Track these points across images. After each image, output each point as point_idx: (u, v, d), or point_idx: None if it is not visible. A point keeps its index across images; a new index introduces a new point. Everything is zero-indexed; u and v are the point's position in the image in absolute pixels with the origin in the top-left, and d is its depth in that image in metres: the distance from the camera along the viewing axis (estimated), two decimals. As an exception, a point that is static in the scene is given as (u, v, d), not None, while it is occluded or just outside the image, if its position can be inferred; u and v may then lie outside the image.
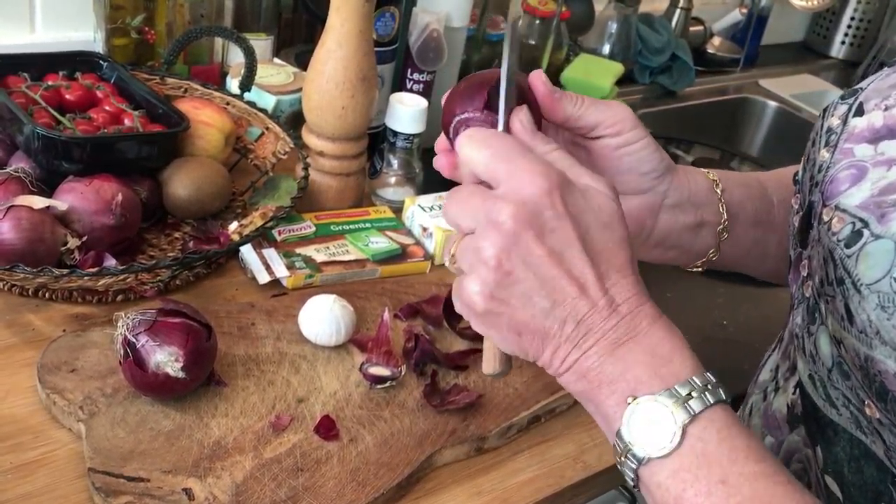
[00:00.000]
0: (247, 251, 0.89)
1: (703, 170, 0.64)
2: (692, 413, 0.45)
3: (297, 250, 0.91)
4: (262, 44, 1.17)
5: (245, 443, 0.68)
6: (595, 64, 1.51)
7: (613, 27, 1.60)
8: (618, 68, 1.50)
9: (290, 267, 0.88)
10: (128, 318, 0.69)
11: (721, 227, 0.63)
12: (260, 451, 0.67)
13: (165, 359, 0.67)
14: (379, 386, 0.76)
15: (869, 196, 0.49)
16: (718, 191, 0.63)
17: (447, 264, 0.53)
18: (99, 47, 1.08)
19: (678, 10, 1.73)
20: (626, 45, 1.61)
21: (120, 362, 0.68)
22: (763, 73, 1.91)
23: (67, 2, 1.11)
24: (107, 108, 0.94)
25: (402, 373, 0.77)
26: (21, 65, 0.94)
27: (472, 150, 0.49)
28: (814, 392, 0.56)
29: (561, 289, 0.47)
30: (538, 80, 0.54)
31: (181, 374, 0.67)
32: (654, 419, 0.45)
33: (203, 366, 0.69)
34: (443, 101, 0.55)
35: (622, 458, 0.47)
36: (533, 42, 1.35)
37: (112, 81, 0.99)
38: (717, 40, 1.85)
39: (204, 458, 0.66)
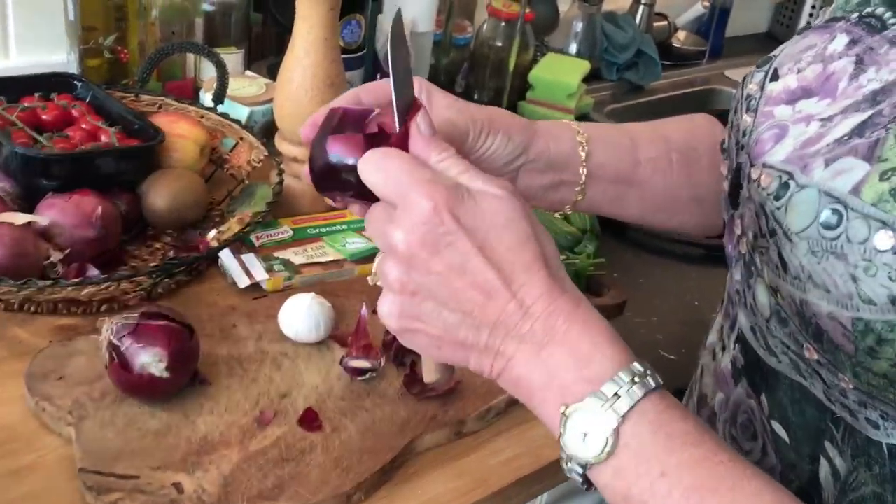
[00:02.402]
0: (226, 257, 0.91)
1: (575, 128, 0.67)
2: (621, 414, 0.45)
3: (276, 254, 0.93)
4: (233, 57, 1.20)
5: (231, 437, 0.70)
6: (562, 63, 1.54)
7: (579, 26, 1.64)
8: (584, 66, 1.54)
9: (269, 270, 0.90)
10: (112, 323, 0.71)
11: (579, 187, 0.67)
12: (246, 444, 0.70)
13: (150, 360, 0.69)
14: (360, 378, 0.78)
15: (792, 150, 0.52)
16: (583, 153, 0.66)
17: (369, 280, 0.55)
18: (73, 68, 1.11)
19: (641, 7, 1.77)
20: (592, 43, 1.65)
21: (106, 366, 0.71)
22: (729, 64, 1.95)
23: (41, 26, 1.14)
24: (83, 125, 0.96)
25: (382, 364, 0.79)
26: (-3, 88, 0.97)
27: (369, 174, 0.50)
28: (755, 343, 0.59)
29: (468, 300, 0.48)
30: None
31: (166, 374, 0.69)
32: (586, 428, 0.46)
33: (187, 365, 0.72)
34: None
35: (567, 465, 0.48)
36: (500, 44, 1.39)
37: (87, 101, 1.01)
38: (681, 34, 1.89)
39: (192, 453, 0.68)
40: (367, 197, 0.52)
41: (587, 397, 0.46)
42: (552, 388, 0.47)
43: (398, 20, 0.53)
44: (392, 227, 0.48)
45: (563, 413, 0.46)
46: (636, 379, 0.46)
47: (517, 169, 0.65)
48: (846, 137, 0.49)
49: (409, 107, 0.52)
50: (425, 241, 0.47)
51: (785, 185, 0.51)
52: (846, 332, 0.47)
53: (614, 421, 0.45)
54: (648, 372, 0.47)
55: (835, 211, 0.47)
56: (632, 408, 0.46)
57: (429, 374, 0.56)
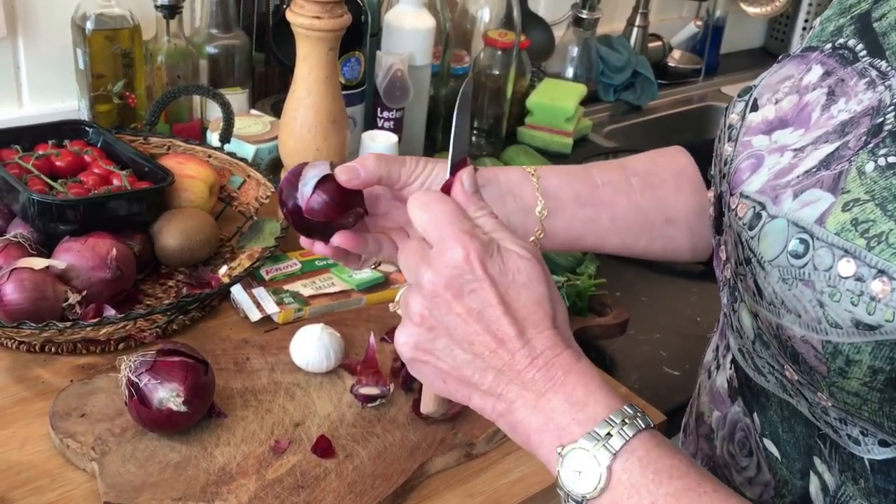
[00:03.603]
0: (238, 292, 0.94)
1: (522, 166, 0.72)
2: (613, 452, 0.49)
3: (285, 287, 0.96)
4: (238, 97, 1.23)
5: (248, 467, 0.73)
6: (559, 87, 1.58)
7: (574, 51, 1.67)
8: (581, 90, 1.57)
9: (279, 303, 0.93)
10: (130, 360, 0.74)
11: (539, 208, 0.70)
12: (262, 473, 0.72)
13: (167, 395, 0.72)
14: (370, 405, 0.81)
15: (766, 181, 0.54)
16: (534, 179, 0.70)
17: (391, 307, 0.59)
18: (84, 115, 1.15)
19: (635, 29, 1.80)
20: (588, 66, 1.69)
21: (126, 402, 0.73)
22: (725, 81, 1.98)
23: (51, 75, 1.18)
24: (96, 170, 1.00)
25: (391, 391, 0.82)
26: (12, 138, 1.01)
27: (415, 212, 0.54)
28: (744, 364, 0.61)
29: (481, 343, 0.52)
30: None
31: (183, 408, 0.72)
32: (581, 465, 0.49)
33: (203, 399, 0.74)
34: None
35: (565, 501, 0.51)
36: (497, 72, 1.42)
37: (99, 145, 1.05)
38: (676, 53, 1.92)
39: (210, 484, 0.70)
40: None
41: (582, 437, 0.50)
42: (549, 430, 0.51)
43: (468, 86, 0.58)
44: (424, 264, 0.53)
45: (559, 453, 0.50)
46: (626, 420, 0.50)
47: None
48: (814, 169, 0.51)
49: (461, 163, 0.57)
50: (452, 283, 0.51)
51: (758, 216, 0.53)
52: (818, 354, 0.49)
53: (607, 458, 0.49)
54: (639, 414, 0.51)
55: (802, 240, 0.49)
56: (623, 446, 0.49)
57: (426, 406, 0.61)
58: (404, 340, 0.54)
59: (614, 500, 0.49)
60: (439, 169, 0.65)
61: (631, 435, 0.49)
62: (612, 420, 0.50)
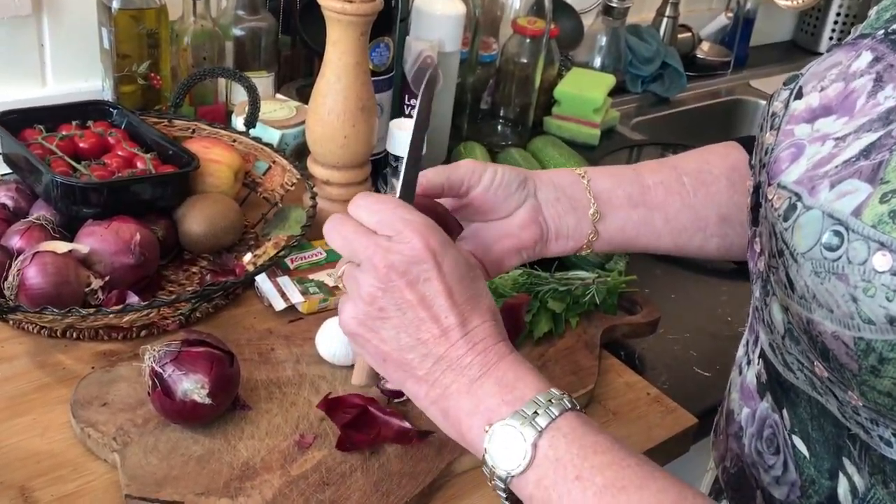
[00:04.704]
0: (262, 280, 0.92)
1: (571, 168, 0.73)
2: (539, 429, 0.51)
3: (310, 276, 0.94)
4: (263, 81, 1.21)
5: (272, 462, 0.71)
6: (587, 77, 1.55)
7: (603, 40, 1.64)
8: (609, 80, 1.54)
9: (304, 293, 0.92)
10: (154, 350, 0.72)
11: (592, 210, 0.70)
12: (287, 468, 0.71)
13: (192, 386, 0.70)
14: (396, 400, 0.79)
15: (805, 171, 0.52)
16: (585, 181, 0.71)
17: (333, 280, 0.60)
18: (108, 95, 1.13)
19: (665, 19, 1.77)
20: (617, 56, 1.65)
21: (149, 393, 0.72)
22: (754, 74, 1.95)
23: (76, 55, 1.16)
24: (119, 152, 0.98)
25: (418, 386, 0.80)
26: (36, 118, 0.99)
27: (364, 211, 0.56)
28: (774, 359, 0.60)
29: (426, 330, 0.54)
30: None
31: (208, 401, 0.70)
32: (508, 442, 0.51)
33: (228, 391, 0.73)
34: None
35: (491, 482, 0.53)
36: (525, 60, 1.39)
37: (123, 127, 1.03)
38: (706, 45, 1.89)
39: (234, 478, 0.69)
40: None
41: (509, 416, 0.52)
42: (479, 412, 0.53)
43: (435, 70, 0.62)
44: (380, 249, 0.55)
45: (487, 430, 0.52)
46: (553, 401, 0.52)
47: (532, 194, 0.69)
48: (854, 159, 0.50)
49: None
50: (409, 271, 0.54)
51: (793, 207, 0.52)
52: (849, 351, 0.48)
53: (533, 435, 0.51)
54: (565, 396, 0.53)
55: (836, 233, 0.48)
56: (549, 423, 0.51)
57: (358, 378, 0.62)
58: (351, 314, 0.56)
59: (541, 477, 0.51)
60: (502, 171, 0.67)
61: (557, 414, 0.52)
62: (538, 400, 0.52)
